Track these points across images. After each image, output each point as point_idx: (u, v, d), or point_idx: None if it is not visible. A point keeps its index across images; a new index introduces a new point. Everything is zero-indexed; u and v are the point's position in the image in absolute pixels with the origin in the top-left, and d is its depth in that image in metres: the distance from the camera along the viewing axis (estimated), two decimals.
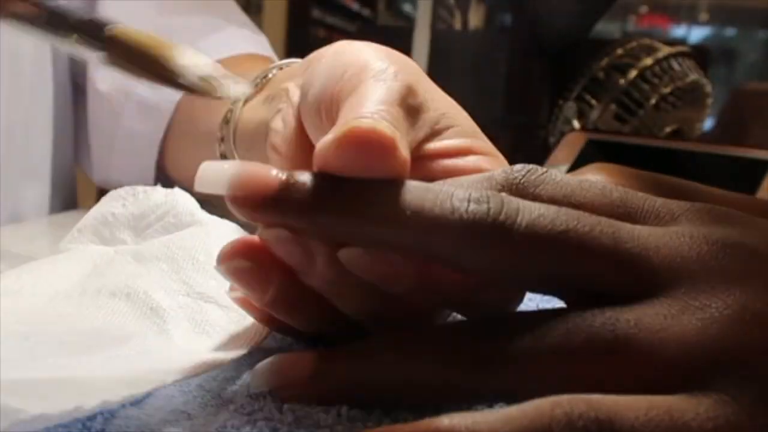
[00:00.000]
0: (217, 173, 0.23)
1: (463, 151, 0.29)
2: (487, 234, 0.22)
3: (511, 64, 1.17)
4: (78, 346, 0.26)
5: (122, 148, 0.55)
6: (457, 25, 1.61)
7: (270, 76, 0.39)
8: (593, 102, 1.02)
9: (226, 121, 0.40)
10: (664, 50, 1.02)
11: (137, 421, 0.23)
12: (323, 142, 0.23)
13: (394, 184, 0.23)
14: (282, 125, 0.32)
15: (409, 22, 1.89)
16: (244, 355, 0.28)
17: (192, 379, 0.26)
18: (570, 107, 1.02)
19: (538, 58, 1.16)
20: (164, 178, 0.55)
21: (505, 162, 0.30)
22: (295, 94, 0.33)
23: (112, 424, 0.22)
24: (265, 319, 0.28)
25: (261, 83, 0.39)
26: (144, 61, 0.23)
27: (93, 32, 0.23)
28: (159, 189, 0.37)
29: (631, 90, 1.00)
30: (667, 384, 0.20)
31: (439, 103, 0.30)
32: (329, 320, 0.26)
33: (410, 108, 0.27)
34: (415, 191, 0.23)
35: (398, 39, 1.32)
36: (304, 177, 0.23)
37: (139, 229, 0.36)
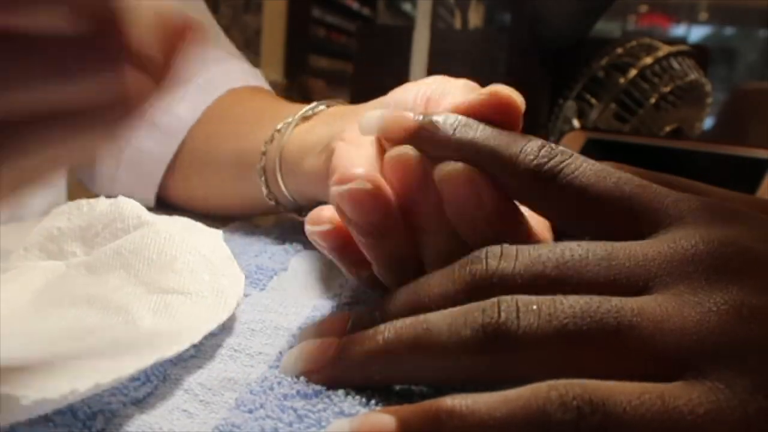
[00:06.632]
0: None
1: None
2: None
3: (511, 64, 1.17)
4: (47, 341, 0.26)
5: (130, 163, 0.55)
6: (457, 24, 1.61)
7: (318, 109, 0.45)
8: (593, 101, 1.02)
9: (269, 141, 0.45)
10: (664, 49, 1.02)
11: (137, 421, 0.23)
12: (468, 100, 0.29)
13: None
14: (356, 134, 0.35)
15: (409, 22, 1.89)
16: (246, 356, 0.28)
17: (192, 378, 0.26)
18: (570, 106, 1.02)
19: (538, 58, 1.15)
20: (163, 199, 0.55)
21: None
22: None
23: (112, 424, 0.22)
24: (342, 251, 0.31)
25: (310, 114, 0.44)
26: None
27: None
28: (102, 199, 0.36)
29: (631, 89, 1.00)
30: (665, 372, 0.21)
31: None
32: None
33: None
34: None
35: (398, 39, 1.32)
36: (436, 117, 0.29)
37: (87, 239, 0.35)
